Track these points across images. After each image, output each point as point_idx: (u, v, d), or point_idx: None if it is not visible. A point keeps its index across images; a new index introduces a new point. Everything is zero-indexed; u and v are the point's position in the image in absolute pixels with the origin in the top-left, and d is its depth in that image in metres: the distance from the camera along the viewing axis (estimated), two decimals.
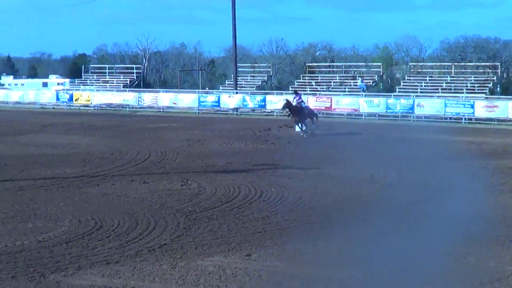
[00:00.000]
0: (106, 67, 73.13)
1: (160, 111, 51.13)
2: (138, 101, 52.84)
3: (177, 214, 15.34)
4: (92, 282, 10.61)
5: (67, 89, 62.58)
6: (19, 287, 10.35)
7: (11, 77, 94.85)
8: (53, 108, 55.28)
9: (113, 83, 67.25)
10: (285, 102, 34.02)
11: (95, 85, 65.41)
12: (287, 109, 33.19)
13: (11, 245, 12.70)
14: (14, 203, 16.66)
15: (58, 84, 77.03)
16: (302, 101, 33.77)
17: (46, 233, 13.56)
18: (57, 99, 56.51)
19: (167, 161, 24.05)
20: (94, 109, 53.57)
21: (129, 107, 52.63)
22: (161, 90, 58.11)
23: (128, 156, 25.29)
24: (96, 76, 70.49)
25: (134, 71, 71.20)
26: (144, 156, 25.23)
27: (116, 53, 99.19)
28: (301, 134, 32.76)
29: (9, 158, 24.79)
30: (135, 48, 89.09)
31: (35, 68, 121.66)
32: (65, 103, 55.63)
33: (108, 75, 70.07)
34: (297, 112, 32.70)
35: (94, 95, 55.44)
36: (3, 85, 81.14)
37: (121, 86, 64.19)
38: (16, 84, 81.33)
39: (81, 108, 54.26)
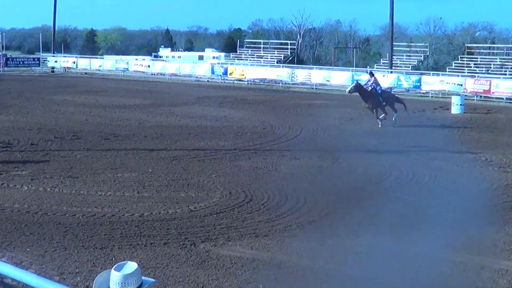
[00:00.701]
0: (260, 42, 73.93)
1: (312, 88, 51.13)
2: (291, 77, 53.05)
3: (327, 191, 15.34)
4: (241, 253, 10.82)
5: (222, 63, 63.73)
6: (171, 253, 10.72)
7: (169, 49, 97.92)
8: (207, 81, 56.54)
9: (267, 58, 67.89)
10: (354, 84, 29.72)
11: (250, 60, 66.25)
12: (358, 94, 28.85)
13: (164, 213, 13.19)
14: (168, 172, 17.26)
15: (214, 57, 78.69)
16: (379, 85, 28.97)
17: (197, 203, 13.97)
18: (212, 72, 57.70)
19: (318, 138, 24.08)
20: (247, 83, 54.31)
21: (282, 83, 52.97)
22: (315, 67, 58.04)
23: (280, 131, 25.53)
24: (251, 51, 71.39)
25: (289, 47, 71.55)
26: (296, 132, 25.37)
27: (271, 29, 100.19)
28: (378, 125, 27.67)
29: (165, 128, 25.69)
30: (290, 24, 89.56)
31: (192, 41, 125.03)
32: (219, 77, 56.73)
33: (263, 50, 70.83)
34: (369, 97, 28.19)
35: (248, 70, 56.17)
36: (161, 57, 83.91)
37: (275, 62, 64.71)
38: (173, 57, 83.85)
39: (235, 82, 55.16)
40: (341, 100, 40.29)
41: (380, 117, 27.96)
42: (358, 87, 28.50)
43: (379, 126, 27.27)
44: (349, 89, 29.10)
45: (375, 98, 28.11)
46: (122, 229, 11.97)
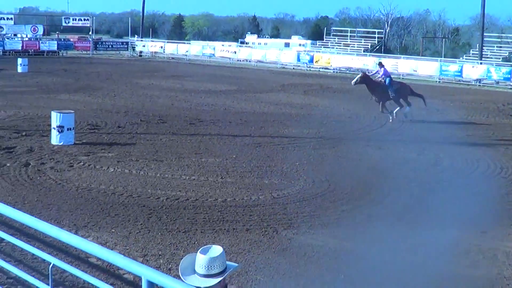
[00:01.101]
0: (347, 30, 73.34)
1: (399, 78, 50.34)
2: None
3: (411, 183, 15.09)
4: (323, 242, 10.76)
5: (308, 51, 63.55)
6: (253, 239, 10.73)
7: (255, 36, 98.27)
8: (293, 68, 56.45)
9: (354, 47, 67.30)
10: (360, 75, 26.68)
11: (336, 48, 65.84)
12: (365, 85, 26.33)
13: (247, 199, 13.22)
14: (251, 158, 17.31)
15: (300, 45, 78.55)
16: (389, 77, 26.45)
17: (280, 190, 13.96)
18: (298, 60, 57.57)
19: (404, 129, 23.71)
20: (333, 71, 53.97)
21: (368, 72, 52.38)
22: (402, 56, 57.22)
23: (365, 121, 25.28)
24: (337, 39, 70.89)
25: (376, 35, 70.74)
26: (381, 122, 25.05)
27: (358, 17, 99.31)
28: (389, 120, 25.19)
29: (249, 114, 25.78)
30: (377, 13, 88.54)
31: (278, 28, 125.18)
32: (305, 64, 56.54)
33: (349, 39, 70.24)
34: (377, 89, 25.72)
35: (334, 58, 55.83)
36: (247, 43, 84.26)
37: (362, 51, 64.08)
38: (259, 43, 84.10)
39: (320, 70, 54.88)
40: (428, 91, 39.52)
41: (391, 111, 25.40)
42: (364, 78, 26.21)
43: (390, 121, 25.01)
44: (354, 80, 26.31)
45: (382, 91, 25.70)
46: (205, 213, 12.07)
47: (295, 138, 20.59)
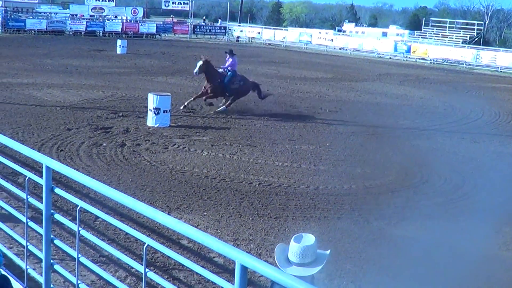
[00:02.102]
0: (446, 21, 71.82)
1: (497, 71, 48.99)
2: (476, 58, 51.10)
3: (507, 178, 14.62)
4: (414, 234, 10.57)
5: (405, 41, 62.52)
6: (344, 228, 10.63)
7: (353, 24, 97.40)
8: (390, 58, 55.67)
9: (452, 38, 65.83)
10: (201, 63, 21.27)
11: (434, 39, 64.57)
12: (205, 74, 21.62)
13: (339, 188, 13.11)
14: (345, 147, 17.15)
15: (397, 35, 77.35)
16: (234, 70, 21.82)
17: (373, 180, 13.77)
18: (395, 49, 56.72)
19: (500, 123, 23.05)
20: (430, 62, 52.92)
21: (465, 64, 51.17)
22: (501, 49, 55.60)
23: (461, 113, 24.67)
24: (436, 29, 69.51)
25: (475, 27, 68.98)
26: (477, 115, 24.42)
27: (458, 8, 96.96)
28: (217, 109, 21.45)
29: (344, 103, 25.55)
30: (477, 4, 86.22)
31: (376, 17, 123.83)
32: (402, 54, 55.67)
33: (448, 30, 68.72)
34: (214, 80, 21.37)
35: (431, 49, 54.74)
36: (344, 31, 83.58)
37: (460, 42, 62.64)
38: (356, 32, 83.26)
39: (417, 60, 53.92)
40: None
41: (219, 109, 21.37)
42: (207, 65, 21.29)
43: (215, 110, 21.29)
44: (195, 69, 21.44)
45: (219, 84, 21.40)
46: (297, 200, 12.02)
47: (390, 128, 20.30)
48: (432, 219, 11.39)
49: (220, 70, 21.72)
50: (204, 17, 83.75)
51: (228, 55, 22.26)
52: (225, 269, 8.53)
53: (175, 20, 72.21)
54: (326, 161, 15.35)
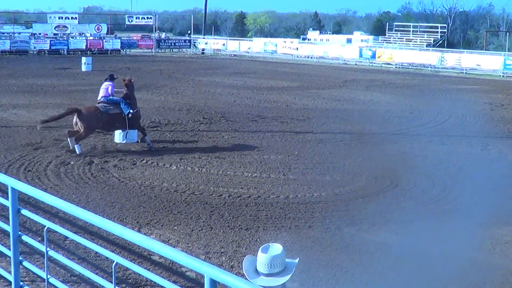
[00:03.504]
0: (410, 25, 72.57)
1: (462, 73, 49.58)
2: (441, 61, 51.66)
3: (475, 179, 14.79)
4: (385, 239, 10.63)
5: (370, 46, 63.06)
6: (315, 236, 10.67)
7: (317, 32, 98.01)
8: (355, 64, 56.10)
9: (416, 42, 66.52)
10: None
11: (398, 43, 65.17)
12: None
13: (309, 196, 13.15)
14: (313, 155, 17.23)
15: (362, 41, 78.02)
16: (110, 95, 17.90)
17: (343, 187, 13.85)
18: (360, 55, 57.20)
19: (467, 124, 23.31)
20: (395, 67, 53.40)
21: (431, 67, 51.68)
22: (465, 51, 56.27)
23: (428, 116, 24.91)
24: (400, 34, 70.18)
25: (438, 30, 69.75)
26: (444, 117, 24.67)
27: (421, 12, 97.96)
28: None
29: (311, 111, 25.68)
30: (440, 7, 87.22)
31: (340, 24, 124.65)
32: (367, 60, 56.14)
33: (412, 34, 69.43)
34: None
35: (396, 53, 55.27)
36: (309, 40, 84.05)
37: (424, 45, 63.29)
38: (321, 40, 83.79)
39: (383, 65, 54.37)
40: (491, 86, 38.91)
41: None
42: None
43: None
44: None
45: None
46: (267, 210, 12.04)
47: (357, 134, 20.43)
48: (403, 223, 11.46)
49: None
50: (164, 32, 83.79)
51: (109, 80, 18.58)
52: (197, 283, 8.52)
53: (139, 36, 72.14)
54: (295, 170, 15.40)
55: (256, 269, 4.59)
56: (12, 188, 5.92)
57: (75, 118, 17.29)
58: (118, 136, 18.07)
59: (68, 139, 16.92)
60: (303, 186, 13.89)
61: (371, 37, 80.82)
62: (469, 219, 11.75)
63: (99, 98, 18.10)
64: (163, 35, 75.53)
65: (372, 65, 54.93)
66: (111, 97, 17.97)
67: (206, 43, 69.65)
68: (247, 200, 12.72)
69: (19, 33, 65.44)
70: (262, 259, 4.54)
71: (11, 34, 63.53)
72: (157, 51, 66.23)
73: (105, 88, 18.18)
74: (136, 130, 18.07)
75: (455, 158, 17.21)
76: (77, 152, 16.54)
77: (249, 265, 4.63)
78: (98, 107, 17.69)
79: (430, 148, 18.53)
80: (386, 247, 10.26)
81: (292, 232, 10.82)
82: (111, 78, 18.80)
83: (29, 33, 64.93)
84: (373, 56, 55.94)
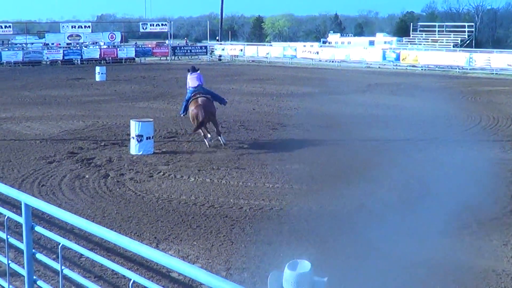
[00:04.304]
0: (435, 25, 72.22)
1: (492, 73, 49.27)
2: (469, 62, 51.38)
3: (510, 185, 14.63)
4: (417, 250, 10.50)
5: (394, 48, 62.84)
6: (343, 251, 10.55)
7: (338, 35, 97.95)
8: (378, 67, 55.95)
9: (443, 42, 66.21)
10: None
11: (423, 44, 64.92)
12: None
13: (334, 207, 13.01)
14: (338, 163, 17.15)
15: (385, 42, 77.82)
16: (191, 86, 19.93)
17: (369, 197, 13.69)
18: (384, 58, 57.06)
19: (499, 128, 23.10)
20: (421, 69, 53.22)
21: (458, 68, 51.44)
22: (495, 50, 55.88)
23: (457, 120, 24.73)
24: (425, 34, 69.89)
25: (466, 29, 69.35)
26: (475, 121, 24.49)
27: (446, 11, 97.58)
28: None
29: (335, 117, 25.53)
30: (467, 5, 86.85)
31: (362, 26, 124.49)
32: (391, 63, 55.98)
33: (438, 34, 69.11)
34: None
35: (422, 55, 55.03)
36: (329, 43, 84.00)
37: (451, 46, 62.99)
38: (342, 43, 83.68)
39: (407, 68, 54.20)
40: None
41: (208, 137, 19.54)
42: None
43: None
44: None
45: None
46: (291, 223, 11.95)
47: (383, 141, 20.30)
48: (433, 234, 11.32)
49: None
50: (185, 38, 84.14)
51: (192, 71, 20.20)
52: None
53: (154, 44, 72.47)
54: (319, 179, 15.31)
55: (282, 287, 4.52)
56: (26, 204, 5.93)
57: (199, 112, 18.86)
58: (133, 147, 18.16)
59: (219, 136, 19.48)
60: (328, 196, 13.78)
61: (395, 38, 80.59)
62: (504, 229, 11.60)
63: (191, 86, 19.84)
64: (183, 42, 75.94)
65: (396, 68, 54.75)
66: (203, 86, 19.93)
67: (223, 49, 69.79)
68: (269, 212, 12.65)
69: (32, 43, 65.97)
70: (288, 277, 4.46)
71: (23, 45, 64.14)
72: (173, 59, 66.49)
73: (194, 77, 19.92)
74: (152, 141, 18.29)
75: (488, 164, 17.00)
76: (224, 143, 19.31)
77: (274, 282, 4.56)
78: (207, 97, 19.56)
79: (460, 155, 18.33)
80: (418, 258, 10.14)
81: (318, 247, 10.71)
82: (194, 69, 20.36)
83: (42, 43, 65.43)
84: (397, 58, 55.78)
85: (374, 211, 12.74)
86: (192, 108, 19.25)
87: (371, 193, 13.99)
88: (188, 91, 20.11)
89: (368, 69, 55.22)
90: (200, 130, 19.44)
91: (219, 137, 19.69)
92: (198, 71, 20.36)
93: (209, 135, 19.52)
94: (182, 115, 21.04)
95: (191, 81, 19.96)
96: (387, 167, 16.53)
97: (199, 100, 19.31)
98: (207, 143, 19.40)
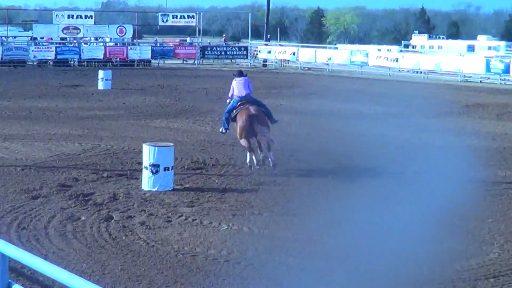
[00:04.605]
0: None
1: None
2: None
3: None
4: None
5: (501, 56, 62.45)
6: None
7: (425, 36, 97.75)
8: (480, 81, 55.69)
9: None
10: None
11: None
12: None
13: (420, 271, 12.82)
14: (422, 212, 16.84)
15: (489, 48, 77.44)
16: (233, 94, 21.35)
17: (466, 260, 13.49)
18: (487, 69, 56.60)
19: None
20: None
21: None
22: None
23: None
24: None
25: None
26: None
27: None
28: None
29: (418, 148, 25.39)
30: None
31: (458, 25, 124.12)
32: (498, 76, 55.55)
33: None
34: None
35: None
36: (413, 47, 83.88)
37: None
38: (431, 47, 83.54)
39: None
40: None
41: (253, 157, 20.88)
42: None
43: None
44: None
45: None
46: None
47: (486, 183, 20.05)
48: None
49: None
50: (224, 36, 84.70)
51: (239, 75, 21.49)
52: None
53: (176, 42, 72.93)
54: (397, 233, 15.04)
55: None
56: (1, 254, 5.90)
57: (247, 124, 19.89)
58: (146, 181, 18.15)
59: (269, 154, 20.31)
60: (412, 257, 13.51)
61: (503, 43, 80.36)
62: None
63: (238, 95, 20.84)
64: (217, 40, 76.40)
65: (504, 83, 54.43)
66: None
67: (269, 52, 69.99)
68: (328, 275, 12.49)
69: (14, 37, 66.81)
70: None
71: (3, 38, 64.58)
72: (201, 62, 66.82)
73: (241, 83, 20.95)
74: (172, 173, 18.29)
75: None
76: (273, 163, 20.14)
77: None
78: (257, 108, 20.50)
79: None
80: None
81: None
82: (241, 74, 21.55)
83: (27, 37, 66.25)
84: (507, 71, 55.27)
85: (474, 280, 12.53)
86: (242, 119, 20.00)
87: (471, 256, 13.77)
88: (232, 100, 20.70)
89: (466, 83, 54.99)
90: (246, 141, 20.05)
91: (268, 154, 20.04)
92: (246, 76, 21.30)
93: (259, 152, 20.04)
94: (223, 132, 21.49)
95: (238, 88, 20.70)
96: (494, 220, 16.30)
97: (251, 108, 19.83)
98: (254, 160, 20.24)
